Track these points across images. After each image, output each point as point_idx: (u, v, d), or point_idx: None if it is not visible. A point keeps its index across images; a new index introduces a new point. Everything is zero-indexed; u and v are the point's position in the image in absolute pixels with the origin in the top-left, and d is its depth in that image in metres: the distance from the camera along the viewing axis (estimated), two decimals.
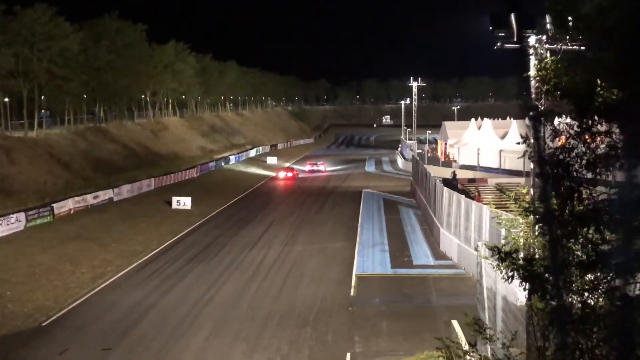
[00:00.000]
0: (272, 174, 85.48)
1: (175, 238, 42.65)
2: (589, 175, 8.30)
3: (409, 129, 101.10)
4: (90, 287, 31.31)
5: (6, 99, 68.91)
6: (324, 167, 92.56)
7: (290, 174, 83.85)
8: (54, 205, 48.17)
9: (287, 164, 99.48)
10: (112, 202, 55.99)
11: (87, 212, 51.03)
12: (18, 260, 35.40)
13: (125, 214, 50.92)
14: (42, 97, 71.69)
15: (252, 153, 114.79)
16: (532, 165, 8.76)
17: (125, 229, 45.02)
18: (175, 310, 27.64)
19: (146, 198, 60.04)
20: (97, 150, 75.55)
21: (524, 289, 9.62)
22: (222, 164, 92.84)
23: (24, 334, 24.96)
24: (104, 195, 55.96)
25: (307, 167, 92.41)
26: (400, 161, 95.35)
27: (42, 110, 73.40)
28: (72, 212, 49.85)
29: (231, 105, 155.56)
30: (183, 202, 54.11)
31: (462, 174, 64.26)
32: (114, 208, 53.83)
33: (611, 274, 7.71)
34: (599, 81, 8.23)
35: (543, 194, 7.35)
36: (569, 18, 9.35)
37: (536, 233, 11.68)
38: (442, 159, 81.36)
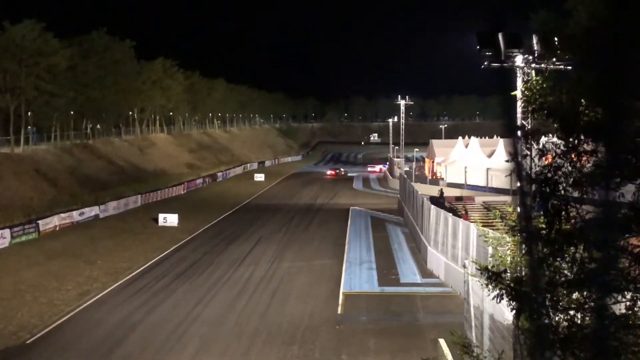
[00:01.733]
0: (260, 191, 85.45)
1: (162, 255, 42.43)
2: (576, 194, 8.35)
3: (397, 147, 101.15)
4: (75, 304, 31.07)
5: None
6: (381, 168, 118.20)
7: (333, 172, 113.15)
8: (40, 221, 47.99)
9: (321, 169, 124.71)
10: (98, 219, 55.85)
11: (72, 228, 50.85)
12: (2, 277, 35.19)
13: (111, 231, 50.72)
14: (29, 113, 71.50)
15: (239, 170, 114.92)
16: (519, 184, 8.82)
17: (111, 246, 44.79)
18: (162, 327, 27.47)
19: (132, 215, 59.89)
20: (84, 167, 75.39)
21: (512, 309, 9.64)
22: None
23: (8, 352, 24.68)
24: (90, 211, 55.81)
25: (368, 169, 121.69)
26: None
27: (29, 126, 73.18)
28: (57, 228, 49.64)
29: (219, 122, 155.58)
30: (170, 219, 53.92)
31: (449, 192, 64.37)
32: (100, 224, 53.67)
33: (597, 293, 7.74)
34: (583, 101, 8.29)
35: (529, 213, 7.38)
36: (555, 39, 9.45)
37: (523, 251, 11.73)
38: (430, 177, 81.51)
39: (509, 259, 13.46)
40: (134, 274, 37.36)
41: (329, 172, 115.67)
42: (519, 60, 15.68)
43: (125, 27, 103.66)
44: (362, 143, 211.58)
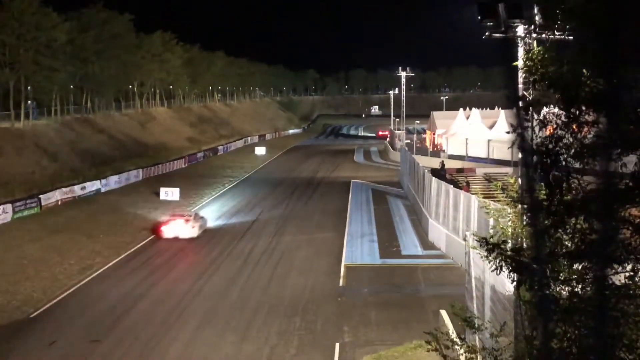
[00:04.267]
0: (261, 164, 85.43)
1: None
2: (577, 165, 8.33)
3: (398, 119, 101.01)
4: (78, 278, 31.21)
5: None
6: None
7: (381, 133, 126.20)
8: (42, 196, 48.01)
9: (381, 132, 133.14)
10: (99, 193, 55.89)
11: (74, 203, 50.90)
12: (5, 252, 35.27)
13: (113, 205, 50.77)
14: (29, 87, 71.20)
15: (240, 143, 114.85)
16: (520, 155, 8.82)
17: (114, 220, 44.84)
18: (165, 301, 27.63)
19: (134, 189, 59.92)
20: (84, 141, 75.30)
21: (512, 280, 9.67)
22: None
23: (12, 325, 24.84)
24: (92, 186, 55.84)
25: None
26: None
27: (29, 101, 72.93)
28: (59, 203, 49.71)
29: (219, 95, 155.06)
30: (171, 193, 53.91)
31: (450, 164, 64.36)
32: (102, 199, 53.72)
33: (598, 264, 7.75)
34: (585, 71, 8.24)
35: (531, 184, 7.37)
36: (557, 10, 9.36)
37: (524, 223, 11.72)
38: (431, 149, 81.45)
39: (510, 230, 13.47)
40: (136, 248, 37.48)
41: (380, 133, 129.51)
42: (520, 30, 15.54)
43: (124, 0, 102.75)
44: (363, 115, 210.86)
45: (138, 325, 24.77)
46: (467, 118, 78.19)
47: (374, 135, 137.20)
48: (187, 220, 39.60)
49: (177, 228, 38.98)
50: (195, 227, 39.53)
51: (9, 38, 66.04)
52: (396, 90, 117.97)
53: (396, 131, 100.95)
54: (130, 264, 34.05)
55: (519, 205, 12.38)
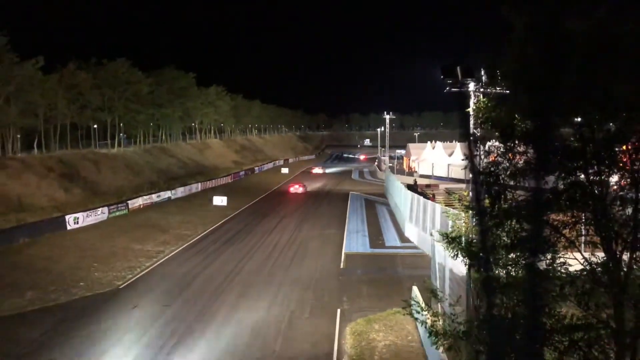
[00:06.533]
0: (285, 180, 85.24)
1: (215, 226, 42.52)
2: (512, 183, 8.33)
3: (383, 149, 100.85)
4: (154, 260, 31.25)
5: (95, 126, 69.25)
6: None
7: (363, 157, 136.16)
8: (129, 201, 48.27)
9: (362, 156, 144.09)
10: (170, 200, 56.00)
11: (152, 207, 51.05)
12: (102, 241, 35.42)
13: (179, 208, 50.86)
14: (121, 124, 71.91)
15: (270, 165, 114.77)
16: (471, 175, 8.84)
17: (179, 219, 44.89)
18: (215, 277, 27.63)
19: (194, 197, 59.95)
20: (160, 163, 75.65)
21: (465, 264, 9.64)
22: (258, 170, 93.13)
23: (106, 294, 24.95)
24: (165, 195, 56.00)
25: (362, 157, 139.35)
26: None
27: (121, 134, 73.58)
28: (141, 206, 49.89)
29: (256, 130, 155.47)
30: (221, 200, 53.87)
31: (421, 181, 64.10)
32: (171, 204, 53.82)
33: (527, 254, 7.73)
34: (517, 116, 8.27)
35: (478, 196, 7.38)
36: (497, 72, 9.43)
37: (474, 224, 11.69)
38: (407, 170, 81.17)
39: (463, 229, 13.43)
40: (195, 239, 37.50)
41: (362, 157, 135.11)
42: (471, 86, 15.59)
43: (189, 62, 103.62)
44: (358, 146, 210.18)
45: (196, 294, 24.78)
46: (433, 148, 77.88)
47: (360, 158, 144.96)
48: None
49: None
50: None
51: (108, 90, 66.98)
52: (382, 128, 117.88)
53: (382, 157, 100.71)
54: (191, 251, 34.04)
55: (470, 211, 12.35)
